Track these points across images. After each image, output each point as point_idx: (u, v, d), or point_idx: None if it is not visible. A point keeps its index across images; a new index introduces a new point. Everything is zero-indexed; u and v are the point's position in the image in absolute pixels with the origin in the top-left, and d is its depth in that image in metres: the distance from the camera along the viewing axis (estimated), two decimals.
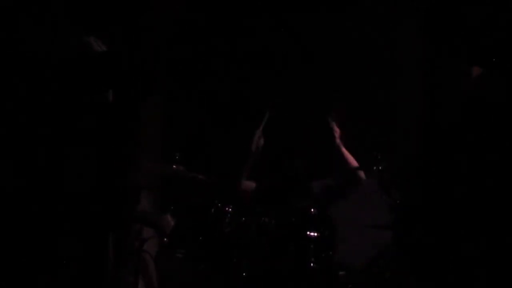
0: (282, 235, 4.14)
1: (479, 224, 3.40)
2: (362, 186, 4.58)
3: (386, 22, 5.27)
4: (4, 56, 2.96)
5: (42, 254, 2.98)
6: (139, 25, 3.75)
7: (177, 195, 4.90)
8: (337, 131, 4.58)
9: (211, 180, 4.51)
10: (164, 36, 5.01)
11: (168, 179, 4.94)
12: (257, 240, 4.12)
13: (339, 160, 4.54)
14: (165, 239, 4.37)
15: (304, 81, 5.32)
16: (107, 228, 3.32)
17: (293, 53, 5.40)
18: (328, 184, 4.51)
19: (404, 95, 5.15)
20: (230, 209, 4.18)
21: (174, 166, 4.52)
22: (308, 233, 4.14)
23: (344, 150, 4.56)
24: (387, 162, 4.51)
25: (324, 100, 5.18)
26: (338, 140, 4.56)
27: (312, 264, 4.07)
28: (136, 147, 3.86)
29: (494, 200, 3.37)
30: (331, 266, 4.14)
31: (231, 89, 5.45)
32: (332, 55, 5.30)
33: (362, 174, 4.53)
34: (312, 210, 4.26)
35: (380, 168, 4.49)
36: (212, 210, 4.21)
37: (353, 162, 4.54)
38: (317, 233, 4.14)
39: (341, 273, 4.21)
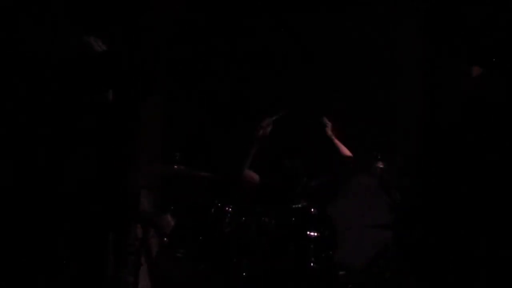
0: (282, 235, 4.14)
1: (479, 224, 3.40)
2: (358, 177, 4.63)
3: (386, 22, 5.27)
4: (4, 56, 2.97)
5: (42, 254, 2.98)
6: (139, 25, 3.76)
7: (177, 195, 4.90)
8: (328, 124, 4.64)
9: (212, 177, 4.50)
10: (164, 36, 5.01)
11: (168, 179, 4.94)
12: (257, 240, 4.12)
13: (333, 151, 4.59)
14: (165, 239, 4.37)
15: (304, 81, 5.32)
16: (107, 228, 3.33)
17: (293, 53, 5.40)
18: (327, 180, 4.51)
19: (404, 95, 5.15)
20: (230, 209, 4.19)
21: (175, 166, 4.51)
22: (308, 233, 4.14)
23: (336, 141, 4.61)
24: (387, 162, 4.53)
25: (324, 100, 5.19)
26: (329, 132, 4.63)
27: (312, 264, 4.07)
28: (136, 147, 3.86)
29: (494, 200, 3.37)
30: (331, 266, 4.15)
31: (231, 89, 5.44)
32: (332, 55, 5.30)
33: (356, 163, 4.57)
34: (312, 210, 4.26)
35: (380, 168, 4.51)
36: (212, 210, 4.21)
37: (346, 152, 4.59)
38: (317, 233, 4.15)
39: (341, 273, 4.22)
